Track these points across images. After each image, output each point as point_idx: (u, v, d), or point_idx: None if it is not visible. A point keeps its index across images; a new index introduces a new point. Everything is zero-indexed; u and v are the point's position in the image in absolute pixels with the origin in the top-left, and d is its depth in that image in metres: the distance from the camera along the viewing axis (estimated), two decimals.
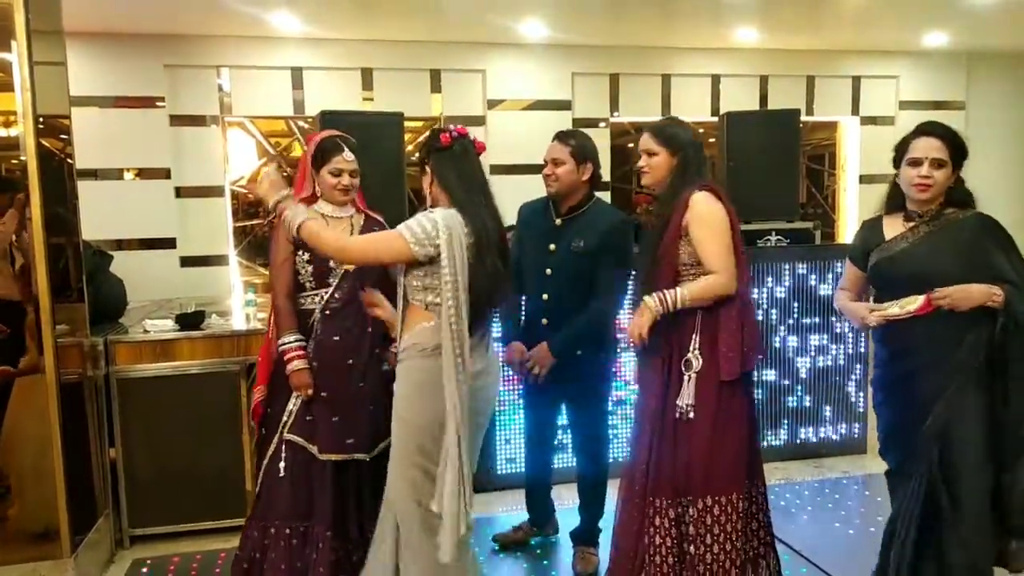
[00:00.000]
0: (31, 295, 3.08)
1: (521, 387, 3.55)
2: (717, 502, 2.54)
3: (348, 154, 2.81)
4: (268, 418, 2.88)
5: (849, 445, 4.56)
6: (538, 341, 3.13)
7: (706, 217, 2.56)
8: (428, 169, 2.54)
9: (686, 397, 2.54)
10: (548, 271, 3.11)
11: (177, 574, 3.36)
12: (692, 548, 2.54)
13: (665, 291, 2.56)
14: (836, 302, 2.78)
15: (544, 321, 3.14)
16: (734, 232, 2.60)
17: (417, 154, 2.66)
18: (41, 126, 2.99)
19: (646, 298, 2.57)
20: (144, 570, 3.40)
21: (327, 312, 2.79)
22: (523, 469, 4.14)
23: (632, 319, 2.61)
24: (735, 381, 2.55)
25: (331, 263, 2.76)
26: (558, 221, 3.12)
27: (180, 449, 3.57)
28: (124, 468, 3.55)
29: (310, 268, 2.80)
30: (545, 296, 3.12)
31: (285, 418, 2.80)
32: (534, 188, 5.76)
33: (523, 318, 3.27)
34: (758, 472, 2.69)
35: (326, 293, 2.80)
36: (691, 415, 2.54)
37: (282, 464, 2.78)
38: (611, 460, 3.44)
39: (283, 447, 2.79)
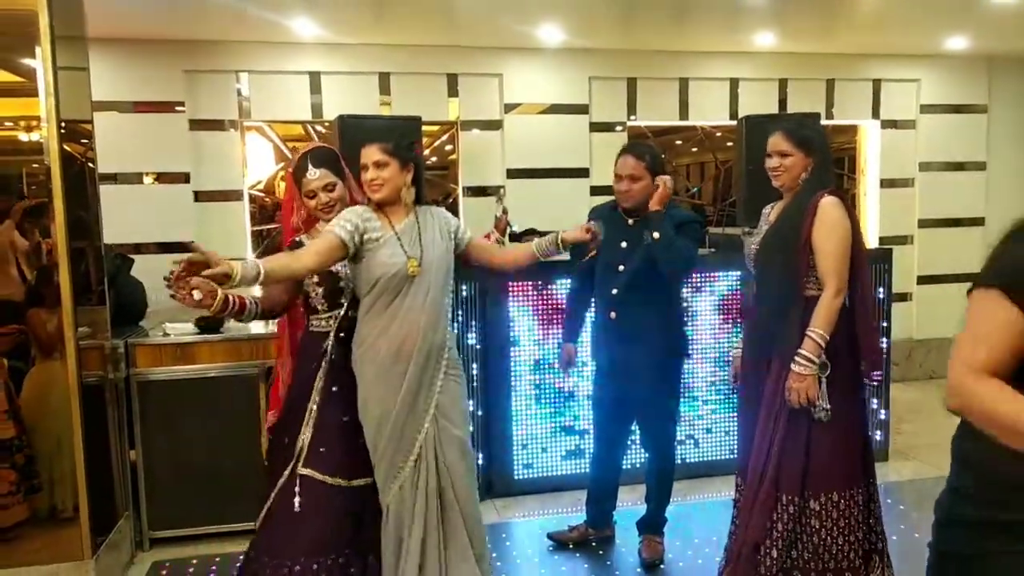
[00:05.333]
0: (34, 295, 3.14)
1: (592, 392, 3.62)
2: (843, 497, 2.66)
3: (312, 172, 2.66)
4: (277, 449, 2.73)
5: None
6: (606, 335, 3.27)
7: (833, 227, 2.63)
8: (413, 165, 2.68)
9: (822, 399, 2.60)
10: (620, 268, 3.19)
11: None
12: (816, 539, 2.65)
13: (803, 349, 2.59)
14: (983, 404, 1.36)
15: (612, 315, 3.22)
16: (856, 240, 2.68)
17: (397, 147, 2.64)
18: (63, 130, 3.02)
19: (795, 368, 2.59)
20: (163, 572, 3.42)
21: (341, 334, 2.69)
22: (540, 474, 4.16)
23: (791, 385, 2.61)
24: (857, 383, 2.71)
25: (341, 283, 2.70)
26: (631, 221, 3.21)
27: (199, 451, 3.59)
28: (144, 470, 3.57)
29: (320, 290, 2.69)
30: (615, 291, 3.19)
31: (297, 450, 2.63)
32: (550, 191, 5.75)
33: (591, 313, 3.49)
34: (872, 468, 2.80)
35: (339, 314, 2.70)
36: (820, 415, 2.61)
37: (297, 500, 2.58)
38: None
39: (297, 482, 2.60)
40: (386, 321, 2.58)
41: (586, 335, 3.56)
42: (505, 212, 3.50)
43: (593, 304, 3.47)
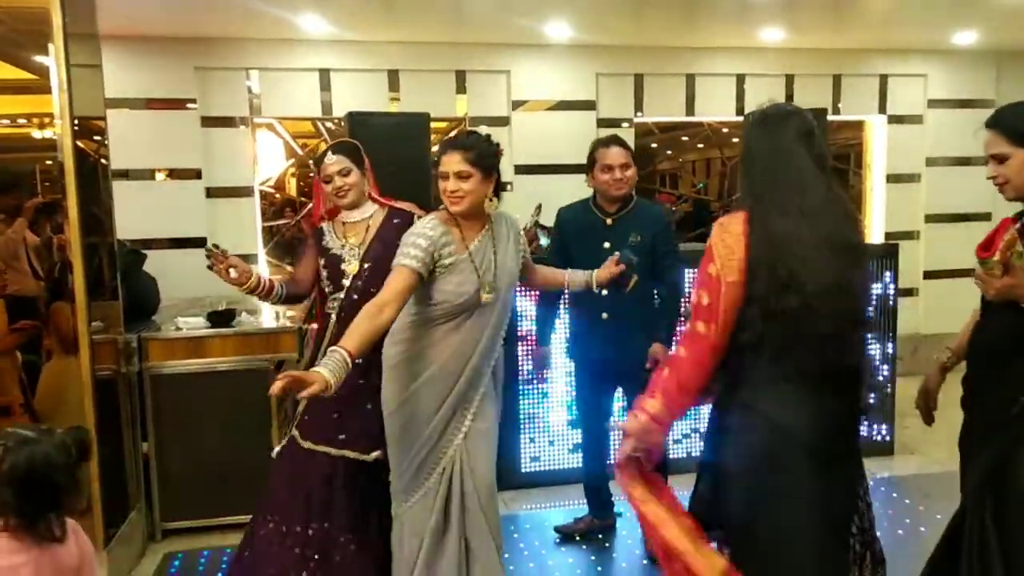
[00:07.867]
0: (54, 291, 3.18)
1: (576, 390, 3.65)
2: None
3: (330, 156, 2.76)
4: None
5: (876, 446, 4.54)
6: (600, 335, 3.27)
7: None
8: (493, 177, 2.48)
9: None
10: None
11: (207, 568, 3.42)
12: None
13: None
14: None
15: (604, 315, 3.23)
16: None
17: (481, 156, 2.40)
18: (77, 127, 3.05)
19: None
20: (175, 563, 3.46)
21: (341, 315, 2.73)
22: (547, 467, 4.20)
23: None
24: None
25: (342, 266, 2.77)
26: (608, 220, 3.24)
27: (211, 444, 3.63)
28: (156, 463, 3.62)
29: (325, 273, 2.79)
30: (604, 292, 3.13)
31: (296, 414, 2.84)
32: (558, 187, 5.73)
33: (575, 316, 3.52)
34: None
35: (342, 295, 2.76)
36: None
37: (281, 458, 2.81)
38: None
39: (286, 442, 2.83)
40: (441, 335, 2.48)
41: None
42: (536, 225, 3.56)
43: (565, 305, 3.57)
